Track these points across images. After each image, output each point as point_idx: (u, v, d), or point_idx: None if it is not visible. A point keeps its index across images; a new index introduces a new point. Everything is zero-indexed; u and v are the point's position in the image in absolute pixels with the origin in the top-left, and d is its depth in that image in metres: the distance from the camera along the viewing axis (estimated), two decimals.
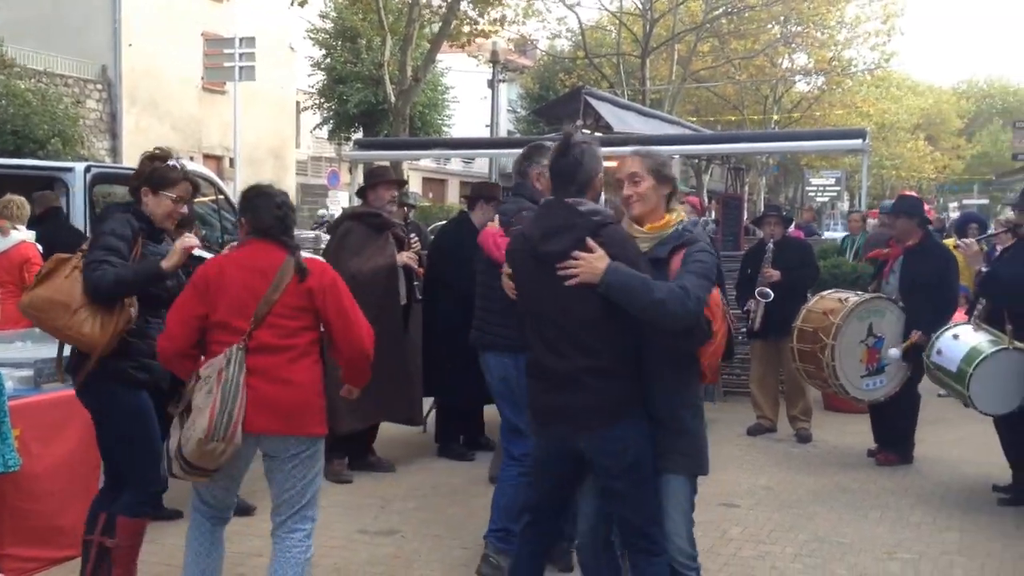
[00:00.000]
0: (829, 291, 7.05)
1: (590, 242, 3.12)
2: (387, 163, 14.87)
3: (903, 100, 43.54)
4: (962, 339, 5.70)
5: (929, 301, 6.26)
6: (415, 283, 6.17)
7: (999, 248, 6.88)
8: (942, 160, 47.13)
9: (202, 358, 3.49)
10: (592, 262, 3.08)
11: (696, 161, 29.03)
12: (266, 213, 3.51)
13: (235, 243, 3.81)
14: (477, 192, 6.50)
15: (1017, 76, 73.90)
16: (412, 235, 6.29)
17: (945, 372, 5.76)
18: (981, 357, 5.49)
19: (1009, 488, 5.85)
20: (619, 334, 3.15)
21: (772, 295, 7.34)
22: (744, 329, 8.13)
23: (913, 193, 10.12)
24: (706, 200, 32.69)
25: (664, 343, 3.17)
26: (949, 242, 6.82)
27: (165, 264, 3.70)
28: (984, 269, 5.73)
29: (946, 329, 5.84)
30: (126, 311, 3.67)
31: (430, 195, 37.97)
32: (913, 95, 46.86)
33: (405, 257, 6.06)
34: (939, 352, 5.79)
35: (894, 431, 6.75)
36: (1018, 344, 5.51)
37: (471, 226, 6.51)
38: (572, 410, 3.20)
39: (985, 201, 42.40)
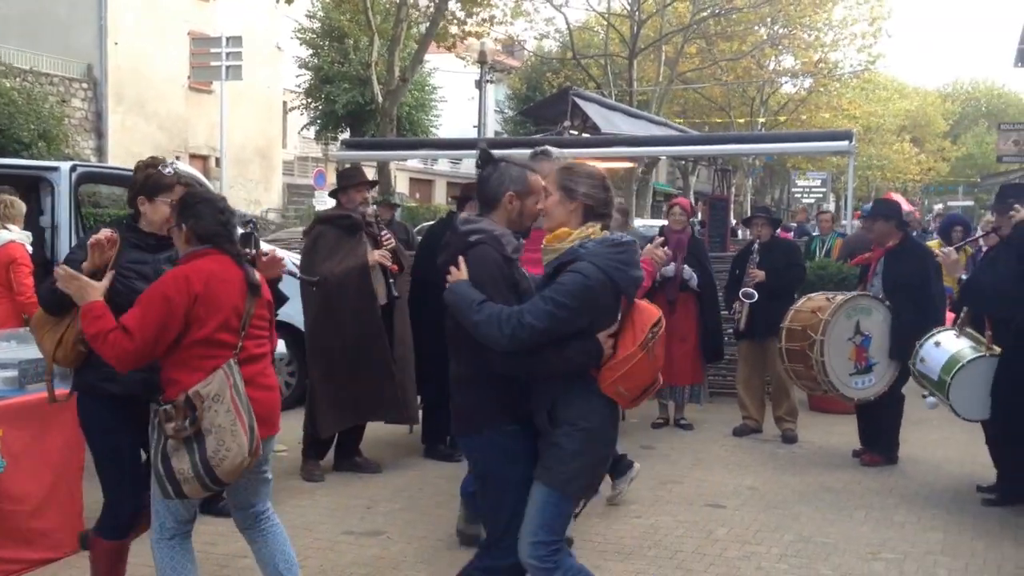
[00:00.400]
0: (816, 293, 7.10)
1: (460, 259, 3.26)
2: (373, 164, 14.83)
3: (890, 102, 43.79)
4: (943, 346, 5.74)
5: (911, 301, 6.34)
6: (390, 280, 6.11)
7: (985, 248, 6.93)
8: (927, 162, 47.41)
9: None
10: (455, 277, 3.24)
11: (683, 162, 29.15)
12: (210, 220, 3.47)
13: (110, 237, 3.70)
14: (467, 192, 6.49)
15: (1002, 78, 74.41)
16: (384, 232, 6.25)
17: (928, 381, 5.81)
18: (959, 366, 5.54)
19: (993, 488, 5.88)
20: (478, 346, 3.18)
21: (756, 296, 7.38)
22: (730, 330, 8.17)
23: (896, 196, 10.19)
24: (693, 201, 32.88)
25: None
26: (934, 244, 6.88)
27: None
28: (964, 276, 5.79)
29: (930, 336, 5.88)
30: (76, 322, 3.57)
31: (417, 196, 37.96)
32: (899, 97, 47.13)
33: (377, 256, 6.01)
34: (922, 360, 5.84)
35: (880, 432, 6.79)
36: (995, 349, 5.55)
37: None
38: (452, 412, 3.44)
39: (970, 203, 42.72)
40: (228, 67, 18.67)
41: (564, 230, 3.28)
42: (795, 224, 19.04)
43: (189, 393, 3.29)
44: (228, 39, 18.82)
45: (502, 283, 3.25)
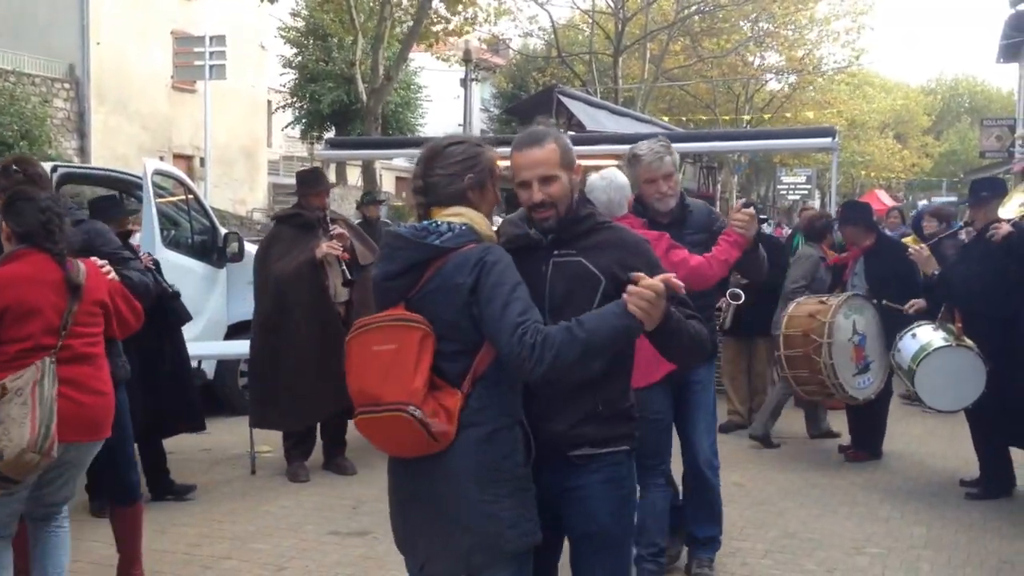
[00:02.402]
0: (804, 297, 7.05)
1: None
2: (358, 163, 14.79)
3: (874, 99, 43.98)
4: (918, 337, 5.79)
5: (902, 295, 6.36)
6: (342, 268, 6.05)
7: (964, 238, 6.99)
8: (911, 158, 47.61)
9: None
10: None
11: None
12: (30, 218, 3.45)
13: None
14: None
15: (984, 73, 74.86)
16: (334, 225, 6.23)
17: (901, 370, 5.86)
18: (924, 353, 5.59)
19: (976, 483, 5.93)
20: None
21: (743, 297, 7.38)
22: (716, 327, 8.19)
23: (880, 192, 10.24)
24: None
25: None
26: (909, 239, 6.92)
27: None
28: (936, 272, 5.83)
29: (909, 329, 5.92)
30: None
31: (403, 194, 37.87)
32: (883, 93, 47.33)
33: (325, 248, 5.98)
34: (899, 351, 5.88)
35: (869, 428, 6.81)
36: (965, 341, 5.59)
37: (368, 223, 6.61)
38: None
39: (953, 198, 42.91)
40: (212, 66, 18.60)
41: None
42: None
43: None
44: (212, 38, 18.76)
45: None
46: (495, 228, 2.75)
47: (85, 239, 3.99)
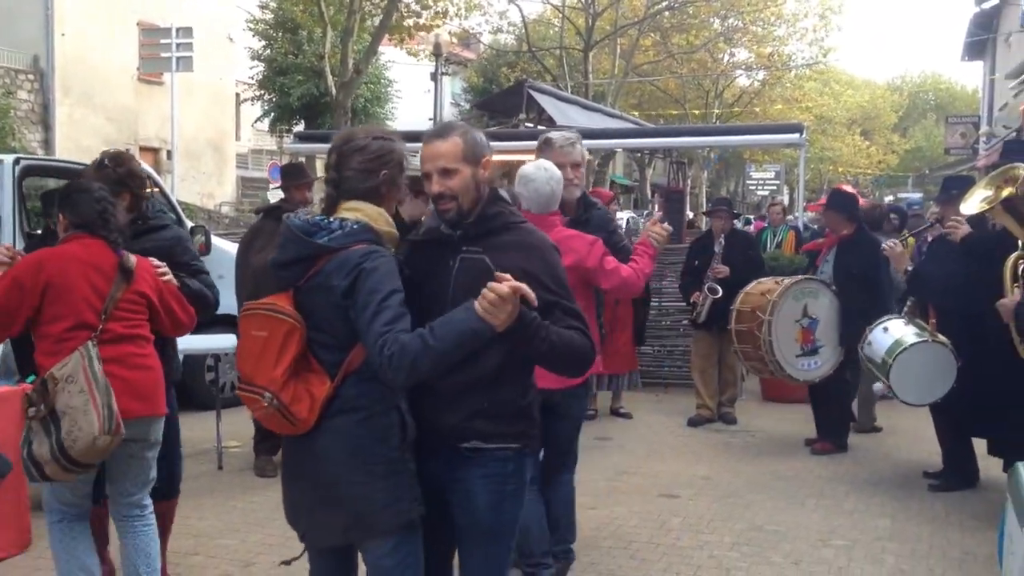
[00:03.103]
0: (767, 277, 7.23)
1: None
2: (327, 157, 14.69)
3: (841, 95, 44.38)
4: (891, 332, 5.86)
5: (862, 290, 6.45)
6: None
7: (929, 239, 7.06)
8: (877, 155, 48.12)
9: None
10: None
11: (639, 155, 29.31)
12: (86, 208, 3.59)
13: None
14: (414, 186, 6.54)
15: (949, 71, 75.86)
16: None
17: (873, 364, 5.93)
18: (901, 348, 5.66)
19: (939, 474, 6.01)
20: None
21: (721, 291, 7.44)
22: (685, 321, 8.23)
23: (847, 188, 10.31)
24: (649, 193, 33.08)
25: None
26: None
27: None
28: (909, 268, 5.90)
29: (880, 322, 5.98)
30: None
31: None
32: (850, 89, 47.78)
33: None
34: (869, 344, 5.95)
35: (834, 420, 6.89)
36: (939, 337, 5.67)
37: (400, 220, 6.56)
38: None
39: (919, 195, 43.41)
40: (179, 58, 18.38)
41: None
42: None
43: (45, 376, 3.37)
44: (178, 30, 18.53)
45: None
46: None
47: (166, 244, 4.00)
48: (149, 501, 3.72)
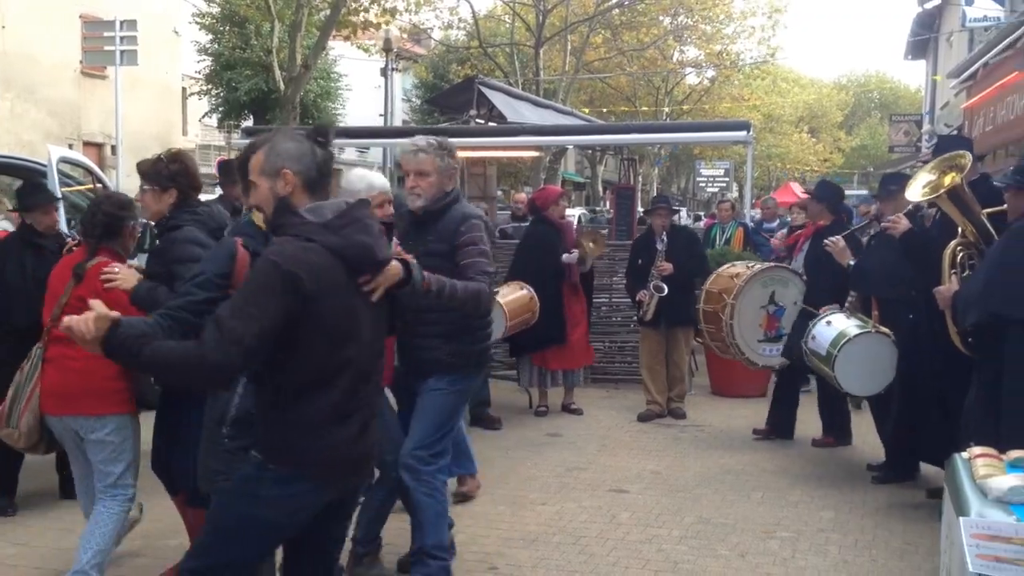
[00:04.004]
0: (741, 261, 7.35)
1: None
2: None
3: (789, 94, 45.02)
4: (834, 324, 5.96)
5: (829, 280, 6.52)
6: None
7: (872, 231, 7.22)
8: (824, 152, 48.88)
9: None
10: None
11: (590, 152, 29.41)
12: (86, 219, 4.03)
13: None
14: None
15: (893, 70, 77.25)
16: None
17: (817, 356, 6.03)
18: (845, 339, 5.77)
19: (881, 466, 6.13)
20: None
21: (666, 289, 7.49)
22: (635, 317, 8.29)
23: (794, 185, 10.48)
24: (601, 190, 33.22)
25: None
26: None
27: None
28: (852, 263, 6.01)
29: (822, 316, 6.09)
30: None
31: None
32: (798, 88, 48.48)
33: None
34: (813, 338, 6.05)
35: (835, 413, 6.97)
36: (882, 329, 5.78)
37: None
38: None
39: (864, 192, 44.14)
40: (123, 51, 18.06)
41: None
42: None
43: None
44: (122, 23, 18.21)
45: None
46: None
47: (167, 245, 3.92)
48: (118, 491, 3.96)
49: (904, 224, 5.39)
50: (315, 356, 2.60)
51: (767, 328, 6.83)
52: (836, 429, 6.96)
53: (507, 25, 31.51)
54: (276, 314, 2.50)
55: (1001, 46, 17.09)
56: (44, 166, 7.47)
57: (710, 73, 35.05)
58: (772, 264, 7.05)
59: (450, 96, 17.25)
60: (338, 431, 2.67)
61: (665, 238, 7.65)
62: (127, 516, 4.06)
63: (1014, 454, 3.17)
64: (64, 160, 7.88)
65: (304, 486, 2.67)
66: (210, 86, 28.45)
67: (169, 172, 3.96)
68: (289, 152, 2.76)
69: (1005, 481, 2.89)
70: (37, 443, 4.02)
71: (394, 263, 2.89)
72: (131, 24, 18.27)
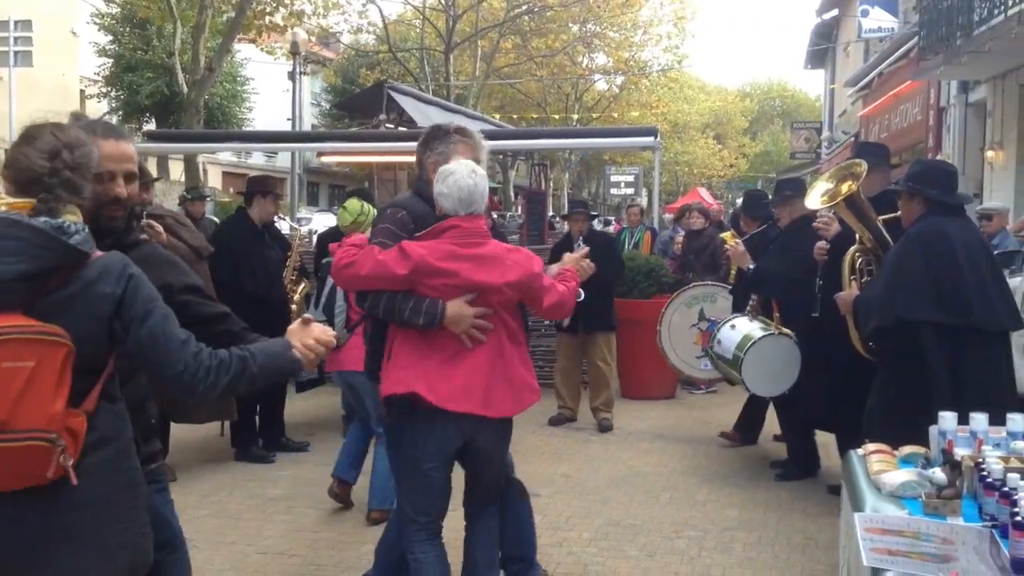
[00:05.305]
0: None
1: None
2: (180, 156, 14.19)
3: (695, 101, 45.97)
4: (738, 328, 6.10)
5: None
6: None
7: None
8: (729, 158, 50.04)
9: None
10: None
11: (502, 156, 29.50)
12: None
13: None
14: (252, 187, 6.62)
15: (794, 79, 79.51)
16: (147, 221, 5.99)
17: (724, 360, 6.15)
18: (750, 342, 5.91)
19: (784, 464, 6.29)
20: None
21: (583, 294, 7.52)
22: (547, 322, 8.33)
23: (702, 191, 10.71)
24: (512, 195, 33.35)
25: None
26: (727, 235, 7.26)
27: None
28: (751, 267, 6.15)
29: (726, 320, 6.22)
30: None
31: (231, 190, 36.64)
32: (703, 95, 49.54)
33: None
34: (719, 342, 6.18)
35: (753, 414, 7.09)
36: (784, 330, 5.94)
37: (250, 222, 6.48)
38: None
39: (767, 197, 45.36)
40: (16, 52, 17.50)
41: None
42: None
43: None
44: (16, 23, 17.66)
45: None
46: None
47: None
48: None
49: (835, 227, 5.47)
50: None
51: (703, 344, 7.00)
52: (744, 427, 7.11)
53: (417, 30, 31.43)
54: None
55: (895, 56, 17.78)
56: None
57: (619, 80, 35.51)
58: (695, 284, 7.56)
59: (360, 100, 17.14)
60: None
61: (580, 243, 7.70)
62: None
63: (906, 450, 3.28)
64: None
65: None
66: (110, 88, 27.66)
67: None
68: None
69: (897, 476, 2.98)
70: None
71: None
72: (26, 24, 17.72)
